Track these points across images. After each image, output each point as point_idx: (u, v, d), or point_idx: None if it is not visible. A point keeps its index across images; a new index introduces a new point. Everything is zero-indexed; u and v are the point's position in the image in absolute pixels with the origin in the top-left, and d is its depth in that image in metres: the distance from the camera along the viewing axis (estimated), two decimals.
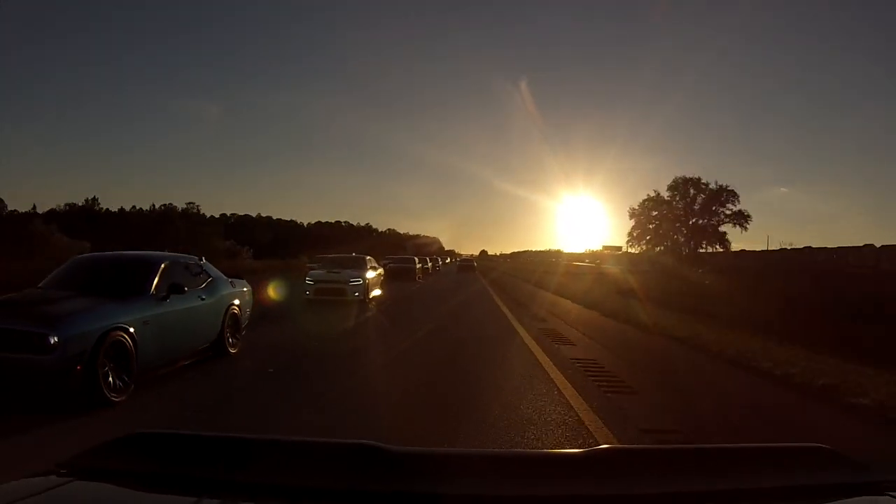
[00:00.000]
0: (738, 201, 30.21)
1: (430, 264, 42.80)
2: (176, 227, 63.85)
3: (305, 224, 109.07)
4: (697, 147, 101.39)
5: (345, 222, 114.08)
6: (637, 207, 32.19)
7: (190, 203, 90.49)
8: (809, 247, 33.25)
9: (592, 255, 49.24)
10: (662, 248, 32.63)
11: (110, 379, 5.35)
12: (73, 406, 5.01)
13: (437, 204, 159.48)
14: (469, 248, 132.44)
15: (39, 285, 6.68)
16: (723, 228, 32.24)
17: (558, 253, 74.09)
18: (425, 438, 4.46)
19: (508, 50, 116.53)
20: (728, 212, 29.52)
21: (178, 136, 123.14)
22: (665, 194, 31.69)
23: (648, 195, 32.99)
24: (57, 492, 1.12)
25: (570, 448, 3.87)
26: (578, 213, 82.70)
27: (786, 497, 1.19)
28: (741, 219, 30.10)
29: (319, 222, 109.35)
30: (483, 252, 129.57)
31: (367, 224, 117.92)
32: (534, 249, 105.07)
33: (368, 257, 19.34)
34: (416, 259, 34.57)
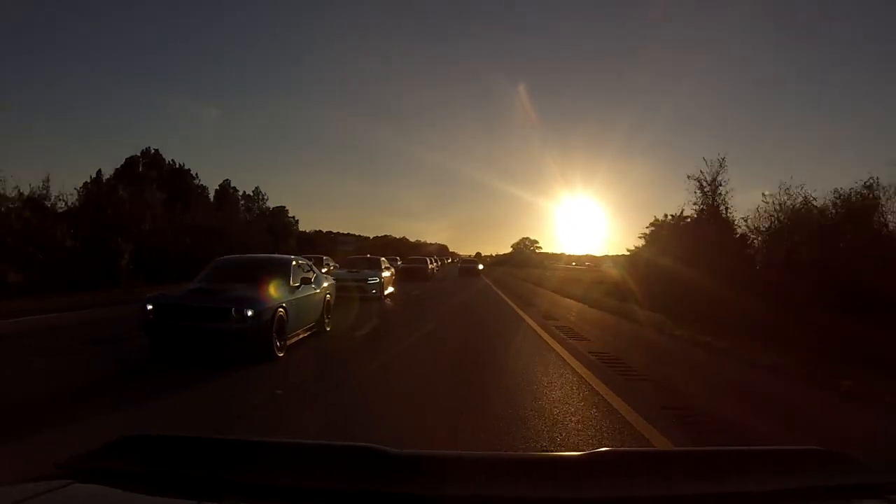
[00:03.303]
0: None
1: (435, 264, 47.00)
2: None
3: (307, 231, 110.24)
4: (694, 150, 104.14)
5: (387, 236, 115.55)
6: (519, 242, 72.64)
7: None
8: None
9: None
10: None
11: (276, 342, 7.82)
12: (257, 359, 7.47)
13: (435, 206, 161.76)
14: (466, 250, 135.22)
15: (197, 280, 9.06)
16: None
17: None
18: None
19: (506, 52, 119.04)
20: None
21: (177, 138, 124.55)
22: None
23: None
24: (56, 493, 1.13)
25: (569, 451, 4.25)
26: (573, 216, 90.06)
27: (785, 499, 1.20)
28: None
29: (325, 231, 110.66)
30: (478, 254, 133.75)
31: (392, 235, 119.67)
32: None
33: (382, 258, 21.53)
34: (428, 260, 37.80)
